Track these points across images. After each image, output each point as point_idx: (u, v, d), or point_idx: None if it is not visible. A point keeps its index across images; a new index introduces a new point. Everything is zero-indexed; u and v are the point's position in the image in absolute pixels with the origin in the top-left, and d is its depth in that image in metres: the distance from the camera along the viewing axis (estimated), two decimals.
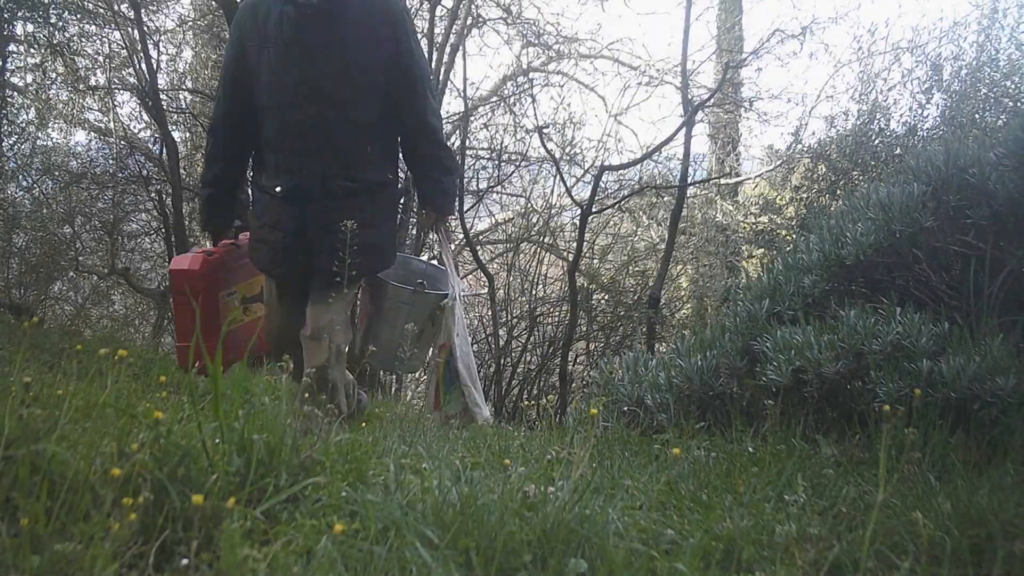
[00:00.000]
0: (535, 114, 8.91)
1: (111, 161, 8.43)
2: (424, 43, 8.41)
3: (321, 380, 2.70)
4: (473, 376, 3.38)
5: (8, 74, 7.67)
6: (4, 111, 7.44)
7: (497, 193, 9.56)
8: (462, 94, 8.47)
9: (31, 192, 8.16)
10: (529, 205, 9.11)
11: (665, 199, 8.64)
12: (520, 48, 9.01)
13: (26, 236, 7.61)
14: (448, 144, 3.27)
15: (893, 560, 1.29)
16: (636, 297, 8.15)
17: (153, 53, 7.29)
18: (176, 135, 8.08)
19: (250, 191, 3.05)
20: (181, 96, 8.64)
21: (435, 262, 3.45)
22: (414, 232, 8.71)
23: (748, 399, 2.71)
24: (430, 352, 3.55)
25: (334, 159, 2.77)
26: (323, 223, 2.75)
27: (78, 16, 7.46)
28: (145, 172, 8.35)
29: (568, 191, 7.81)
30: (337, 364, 2.87)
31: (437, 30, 8.29)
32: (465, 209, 8.58)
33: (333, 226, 2.64)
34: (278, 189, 2.78)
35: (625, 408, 3.07)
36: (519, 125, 9.09)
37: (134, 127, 8.51)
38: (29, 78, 7.87)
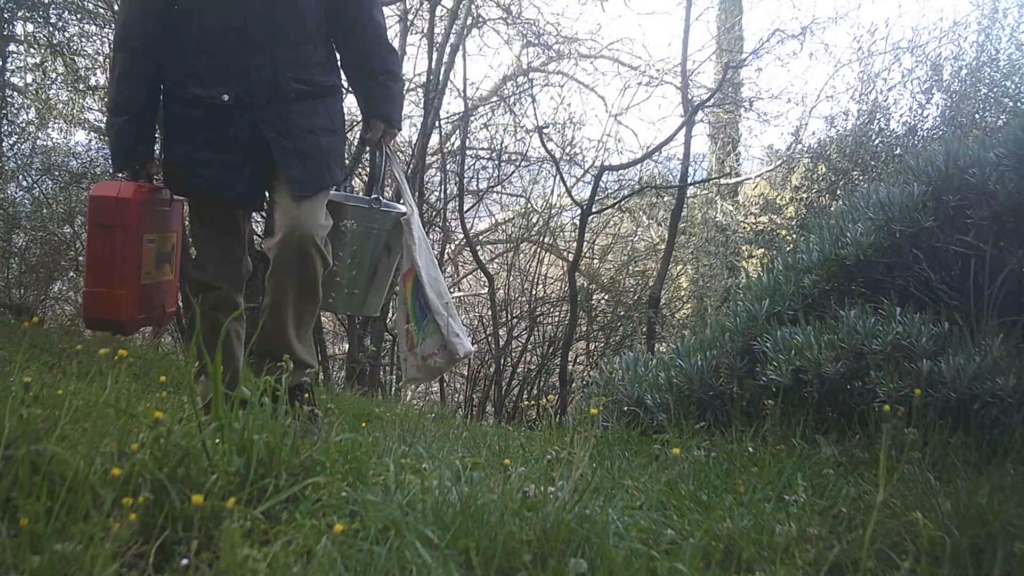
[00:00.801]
0: (535, 114, 8.92)
1: (111, 161, 8.42)
2: (424, 43, 8.42)
3: (303, 307, 2.50)
4: (447, 302, 2.96)
5: (8, 74, 7.67)
6: (4, 111, 7.43)
7: (497, 193, 9.57)
8: (462, 94, 8.48)
9: (31, 192, 8.16)
10: (529, 205, 9.11)
11: (665, 199, 8.64)
12: (520, 48, 9.01)
13: (26, 236, 7.61)
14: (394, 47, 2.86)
15: (893, 560, 1.29)
16: (636, 297, 8.16)
17: None
18: None
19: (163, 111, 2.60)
20: None
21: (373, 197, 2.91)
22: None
23: (748, 399, 2.71)
24: (386, 290, 3.12)
25: (284, 58, 2.46)
26: (282, 129, 2.46)
27: (78, 16, 7.46)
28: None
29: (568, 191, 7.81)
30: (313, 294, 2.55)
31: (437, 30, 8.30)
32: (465, 209, 8.58)
33: (293, 131, 2.44)
34: (225, 97, 2.42)
35: (625, 408, 3.07)
36: (519, 125, 9.08)
37: None
38: (29, 78, 7.87)
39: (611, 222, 9.26)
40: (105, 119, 2.77)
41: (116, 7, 7.27)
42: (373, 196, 2.93)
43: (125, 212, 2.42)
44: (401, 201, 2.97)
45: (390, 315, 8.51)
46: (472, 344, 3.21)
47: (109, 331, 2.57)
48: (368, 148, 2.96)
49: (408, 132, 9.16)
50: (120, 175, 2.61)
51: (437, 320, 2.88)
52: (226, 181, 2.48)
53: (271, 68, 2.45)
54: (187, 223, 3.08)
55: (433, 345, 2.90)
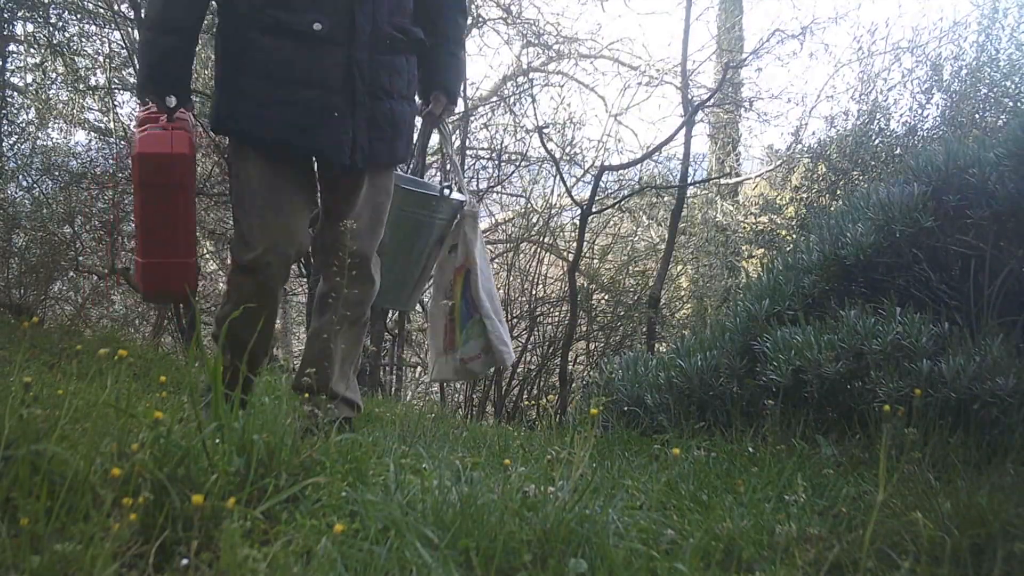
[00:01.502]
0: (535, 114, 8.92)
1: (111, 161, 8.43)
2: None
3: (356, 329, 2.24)
4: (496, 306, 2.65)
5: (8, 74, 7.67)
6: (4, 111, 7.44)
7: (497, 193, 9.56)
8: (462, 94, 8.47)
9: (31, 192, 8.16)
10: (529, 205, 9.11)
11: (665, 199, 8.64)
12: (520, 48, 9.02)
13: (26, 236, 7.61)
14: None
15: (893, 560, 1.29)
16: (636, 297, 8.15)
17: None
18: None
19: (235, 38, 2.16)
20: None
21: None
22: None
23: (748, 399, 2.71)
24: (430, 282, 2.81)
25: None
26: (370, 83, 2.10)
27: (78, 16, 7.46)
28: None
29: (568, 191, 7.81)
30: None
31: None
32: None
33: (378, 90, 2.11)
34: (317, 26, 2.04)
35: (625, 408, 3.07)
36: (519, 125, 9.08)
37: (134, 127, 8.51)
38: (29, 78, 7.87)
39: (611, 222, 9.26)
40: (141, 36, 2.38)
41: (116, 7, 7.28)
42: (446, 183, 2.60)
43: (184, 169, 2.11)
44: (450, 187, 2.63)
45: (391, 315, 8.51)
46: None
47: (170, 302, 2.51)
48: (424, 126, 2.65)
49: None
50: (144, 104, 2.22)
51: (486, 323, 2.60)
52: (308, 127, 2.08)
53: (371, 5, 2.10)
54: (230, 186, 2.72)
55: (476, 348, 2.64)
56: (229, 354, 1.83)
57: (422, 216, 2.52)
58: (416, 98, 2.41)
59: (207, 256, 9.73)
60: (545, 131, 8.06)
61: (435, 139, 8.91)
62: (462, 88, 2.50)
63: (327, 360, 2.22)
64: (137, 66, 7.10)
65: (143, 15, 2.31)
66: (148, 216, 2.15)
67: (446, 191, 2.55)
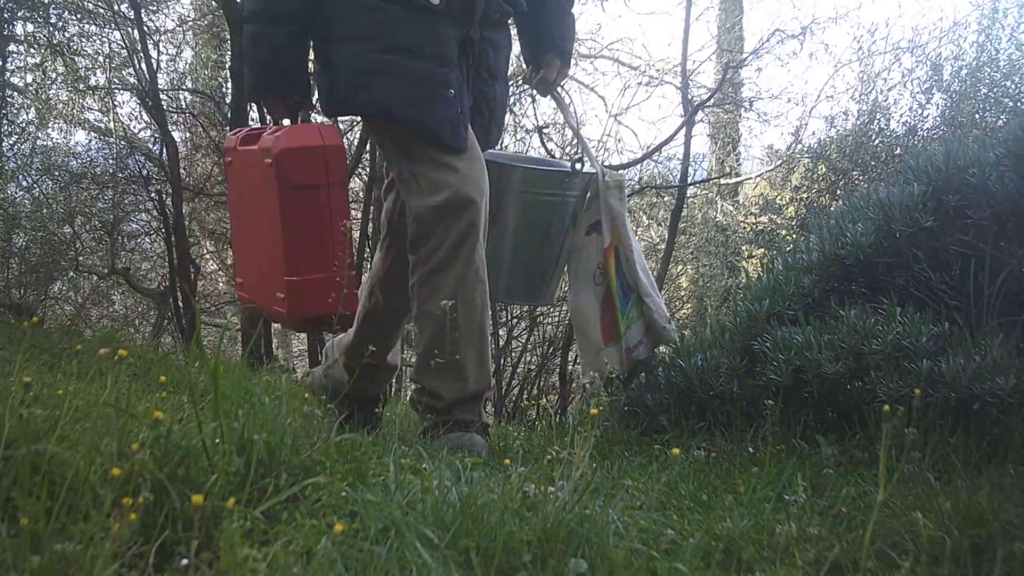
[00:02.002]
0: (535, 114, 8.92)
1: (111, 161, 8.43)
2: None
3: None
4: (652, 280, 2.35)
5: (8, 74, 7.67)
6: (4, 111, 7.44)
7: None
8: None
9: (31, 192, 8.16)
10: None
11: (665, 199, 8.64)
12: (520, 48, 9.00)
13: (26, 236, 7.61)
14: None
15: (893, 560, 1.29)
16: None
17: (153, 53, 7.30)
18: (176, 135, 8.10)
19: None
20: (181, 96, 8.65)
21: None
22: None
23: (748, 399, 2.71)
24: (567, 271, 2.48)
25: None
26: (479, 62, 2.01)
27: (78, 16, 7.47)
28: (145, 172, 8.36)
29: None
30: None
31: None
32: None
33: (482, 70, 2.00)
34: (435, 0, 1.92)
35: (625, 408, 3.07)
36: (519, 125, 9.08)
37: (134, 127, 8.53)
38: (29, 78, 7.88)
39: None
40: (247, 32, 2.05)
41: (116, 7, 7.28)
42: (577, 156, 2.32)
43: (336, 165, 1.88)
44: (580, 160, 2.32)
45: None
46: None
47: (322, 330, 2.33)
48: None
49: None
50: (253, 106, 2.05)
51: (646, 302, 2.34)
52: (420, 100, 1.92)
53: None
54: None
55: (638, 333, 2.38)
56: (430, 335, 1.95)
57: (551, 197, 2.25)
58: (524, 64, 2.26)
59: (207, 256, 9.73)
60: (545, 131, 8.06)
61: None
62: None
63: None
64: (147, 87, 7.13)
65: (244, 9, 2.12)
66: (294, 224, 1.86)
67: (577, 165, 2.27)
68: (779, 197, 7.86)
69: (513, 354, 8.06)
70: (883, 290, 2.69)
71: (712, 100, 7.66)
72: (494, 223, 2.15)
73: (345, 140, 9.05)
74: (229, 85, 7.47)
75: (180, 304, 7.16)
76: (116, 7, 7.29)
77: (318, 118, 2.52)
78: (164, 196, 7.34)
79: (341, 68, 1.99)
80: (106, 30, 7.72)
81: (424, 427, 2.18)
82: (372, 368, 2.18)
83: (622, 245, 2.30)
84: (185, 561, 1.12)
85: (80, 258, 8.01)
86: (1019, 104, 6.07)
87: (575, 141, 8.74)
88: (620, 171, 8.50)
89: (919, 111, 6.69)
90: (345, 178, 1.93)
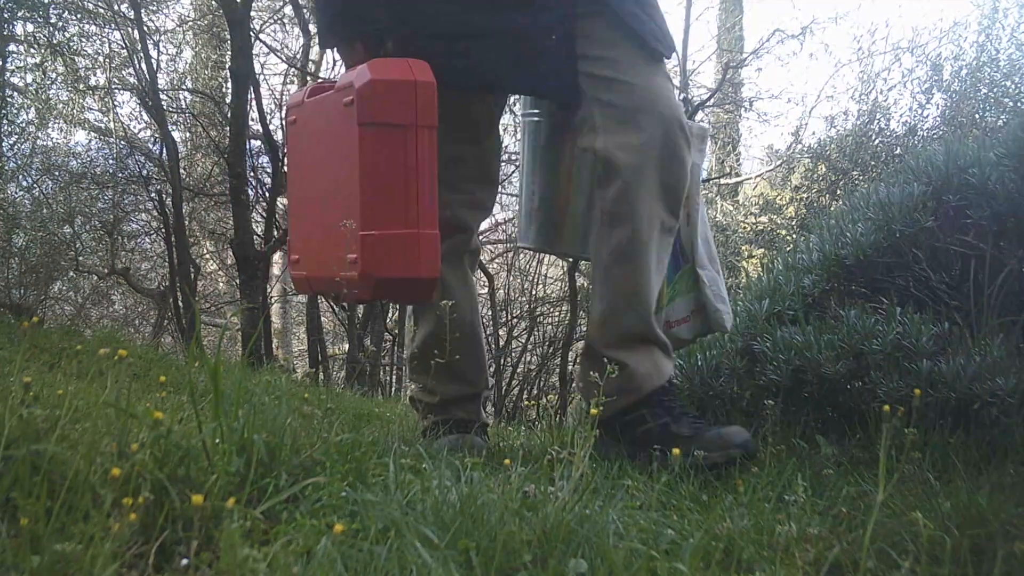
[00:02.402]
0: None
1: (111, 161, 8.43)
2: None
3: None
4: (713, 254, 2.11)
5: (8, 74, 7.67)
6: (4, 111, 7.44)
7: (497, 193, 9.54)
8: None
9: (31, 192, 8.17)
10: None
11: None
12: None
13: (26, 236, 7.61)
14: None
15: (893, 560, 1.29)
16: None
17: (153, 53, 7.30)
18: (176, 135, 8.10)
19: None
20: (181, 96, 8.65)
21: None
22: None
23: (748, 399, 2.71)
24: None
25: None
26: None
27: (78, 16, 7.47)
28: (145, 172, 8.36)
29: None
30: None
31: None
32: None
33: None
34: None
35: None
36: (519, 125, 9.08)
37: (134, 127, 8.53)
38: (29, 78, 7.87)
39: None
40: None
41: (116, 7, 7.28)
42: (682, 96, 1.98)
43: (427, 104, 1.64)
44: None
45: (391, 315, 8.52)
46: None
47: (398, 299, 1.86)
48: None
49: None
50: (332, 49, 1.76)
51: (701, 275, 2.06)
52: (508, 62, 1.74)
53: None
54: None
55: (685, 308, 2.11)
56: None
57: None
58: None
59: (207, 256, 9.73)
60: None
61: None
62: None
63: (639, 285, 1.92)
64: (147, 87, 7.11)
65: None
66: (376, 170, 1.60)
67: None
68: (779, 197, 7.86)
69: (513, 354, 8.06)
70: (883, 290, 2.69)
71: (712, 100, 7.66)
72: None
73: None
74: (229, 85, 7.47)
75: (180, 304, 7.16)
76: (116, 7, 7.29)
77: None
78: (164, 196, 7.34)
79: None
80: (106, 30, 7.72)
81: (423, 427, 2.16)
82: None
83: (696, 206, 2.04)
84: (185, 561, 1.12)
85: (80, 258, 8.02)
86: (1019, 104, 6.08)
87: None
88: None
89: (919, 111, 6.70)
90: (435, 120, 1.65)
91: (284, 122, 1.86)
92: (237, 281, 6.89)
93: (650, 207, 1.82)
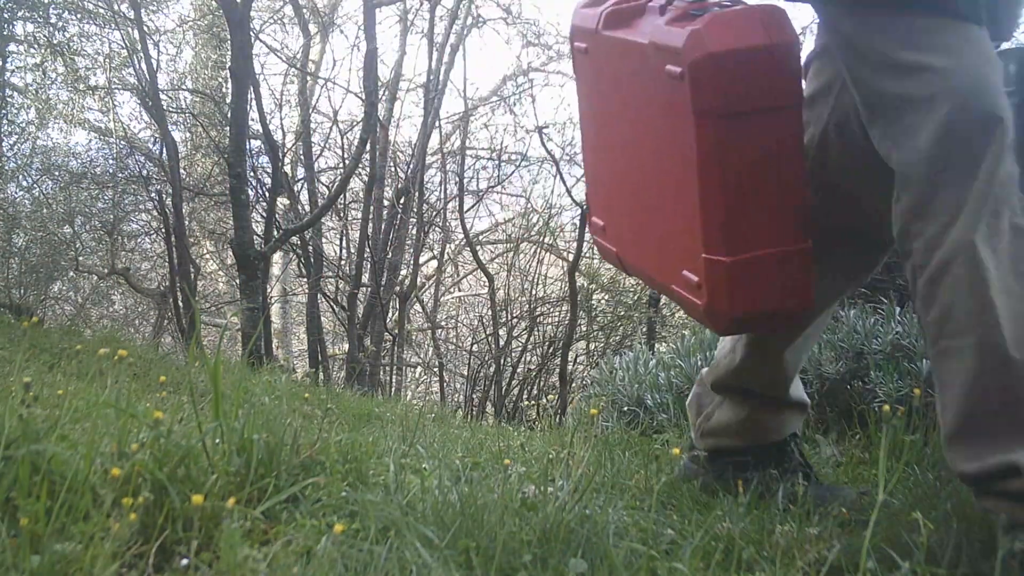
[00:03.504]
0: (535, 114, 8.96)
1: (111, 161, 8.44)
2: (424, 43, 8.43)
3: None
4: None
5: (8, 74, 7.68)
6: (4, 111, 7.45)
7: (497, 193, 9.57)
8: (462, 94, 8.48)
9: (31, 192, 8.17)
10: (529, 205, 9.11)
11: None
12: (520, 48, 9.06)
13: (26, 236, 7.62)
14: None
15: (893, 560, 1.29)
16: (636, 297, 8.15)
17: (153, 53, 7.31)
18: (176, 135, 8.11)
19: None
20: (181, 96, 8.66)
21: None
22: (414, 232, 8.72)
23: None
24: None
25: None
26: None
27: (78, 16, 7.47)
28: (145, 172, 8.36)
29: (568, 191, 7.81)
30: None
31: (437, 30, 8.30)
32: (465, 209, 8.58)
33: None
34: None
35: (625, 408, 3.07)
36: (519, 125, 9.08)
37: (134, 127, 8.54)
38: (29, 78, 7.88)
39: None
40: None
41: (116, 7, 7.28)
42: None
43: (790, 75, 1.18)
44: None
45: (391, 315, 8.52)
46: None
47: (767, 331, 1.49)
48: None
49: (408, 132, 9.17)
50: None
51: None
52: None
53: None
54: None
55: None
56: None
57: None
58: None
59: (207, 256, 9.73)
60: (545, 131, 8.07)
61: (434, 140, 8.91)
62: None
63: None
64: (147, 87, 7.11)
65: None
66: (724, 176, 1.18)
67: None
68: None
69: (513, 354, 8.07)
70: (883, 290, 2.69)
71: None
72: None
73: (345, 138, 9.06)
74: (229, 85, 7.47)
75: (180, 304, 7.16)
76: (116, 7, 7.30)
77: None
78: (164, 196, 7.35)
79: None
80: (106, 30, 7.73)
81: (1009, 523, 1.28)
82: (774, 404, 1.77)
83: None
84: (185, 561, 1.12)
85: (80, 258, 8.02)
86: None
87: (579, 143, 8.74)
88: None
89: None
90: (801, 96, 1.22)
91: (570, 44, 1.46)
92: (237, 281, 6.90)
93: None
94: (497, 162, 9.15)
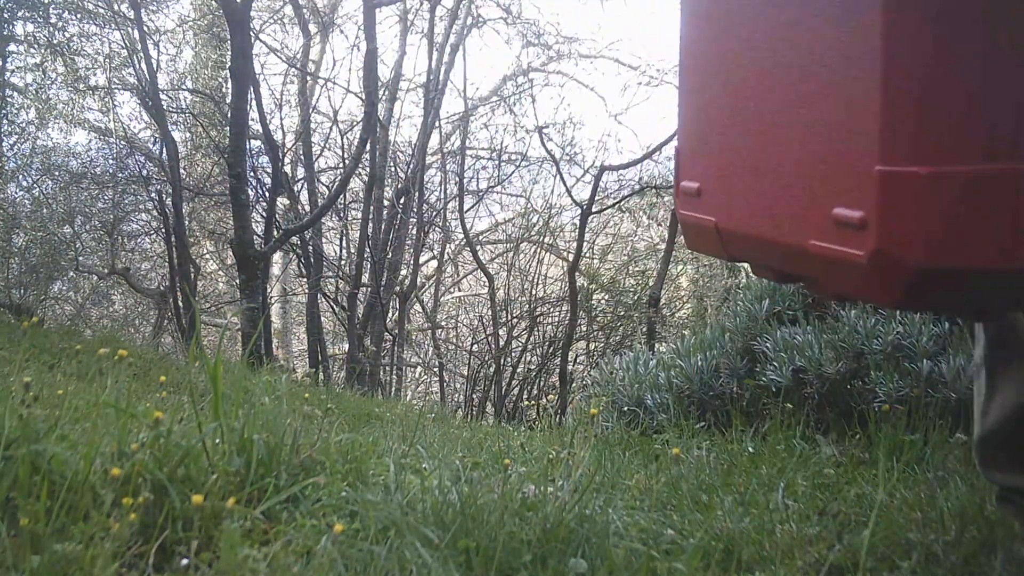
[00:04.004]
0: (535, 114, 8.96)
1: (111, 161, 8.44)
2: (424, 43, 8.43)
3: None
4: None
5: (8, 74, 7.68)
6: (4, 111, 7.44)
7: (497, 193, 9.57)
8: (462, 94, 8.48)
9: (31, 192, 8.17)
10: (529, 205, 9.11)
11: (665, 199, 8.64)
12: (520, 48, 9.06)
13: (26, 236, 7.62)
14: None
15: (893, 560, 1.29)
16: (636, 297, 8.16)
17: (153, 53, 7.30)
18: (176, 135, 8.10)
19: None
20: (181, 96, 8.65)
21: None
22: (414, 232, 8.72)
23: (748, 399, 2.71)
24: None
25: None
26: None
27: (78, 16, 7.47)
28: (145, 172, 8.36)
29: (568, 191, 7.81)
30: None
31: (437, 30, 8.30)
32: (465, 209, 8.58)
33: None
34: None
35: (625, 408, 3.07)
36: (519, 125, 9.08)
37: (134, 127, 8.54)
38: (29, 78, 7.88)
39: (611, 222, 9.27)
40: None
41: (116, 7, 7.28)
42: None
43: None
44: None
45: (391, 315, 8.52)
46: None
47: (961, 312, 1.22)
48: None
49: (408, 132, 9.16)
50: None
51: None
52: None
53: None
54: None
55: None
56: None
57: None
58: None
59: (207, 256, 9.73)
60: (545, 131, 8.07)
61: (434, 140, 8.91)
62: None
63: None
64: (147, 87, 7.09)
65: None
66: (912, 67, 0.87)
67: None
68: None
69: (513, 354, 8.06)
70: None
71: None
72: None
73: (345, 138, 9.05)
74: (229, 85, 7.47)
75: (180, 304, 7.16)
76: (116, 7, 7.29)
77: None
78: (164, 196, 7.34)
79: None
80: (106, 30, 7.72)
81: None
82: None
83: None
84: (185, 561, 1.12)
85: (80, 258, 8.02)
86: None
87: (579, 143, 8.73)
88: (623, 170, 8.46)
89: None
90: None
91: None
92: (237, 281, 6.90)
93: None
94: (497, 162, 9.16)
